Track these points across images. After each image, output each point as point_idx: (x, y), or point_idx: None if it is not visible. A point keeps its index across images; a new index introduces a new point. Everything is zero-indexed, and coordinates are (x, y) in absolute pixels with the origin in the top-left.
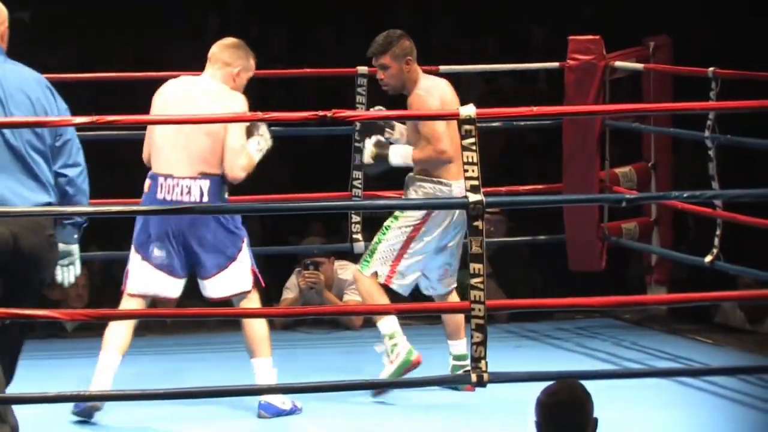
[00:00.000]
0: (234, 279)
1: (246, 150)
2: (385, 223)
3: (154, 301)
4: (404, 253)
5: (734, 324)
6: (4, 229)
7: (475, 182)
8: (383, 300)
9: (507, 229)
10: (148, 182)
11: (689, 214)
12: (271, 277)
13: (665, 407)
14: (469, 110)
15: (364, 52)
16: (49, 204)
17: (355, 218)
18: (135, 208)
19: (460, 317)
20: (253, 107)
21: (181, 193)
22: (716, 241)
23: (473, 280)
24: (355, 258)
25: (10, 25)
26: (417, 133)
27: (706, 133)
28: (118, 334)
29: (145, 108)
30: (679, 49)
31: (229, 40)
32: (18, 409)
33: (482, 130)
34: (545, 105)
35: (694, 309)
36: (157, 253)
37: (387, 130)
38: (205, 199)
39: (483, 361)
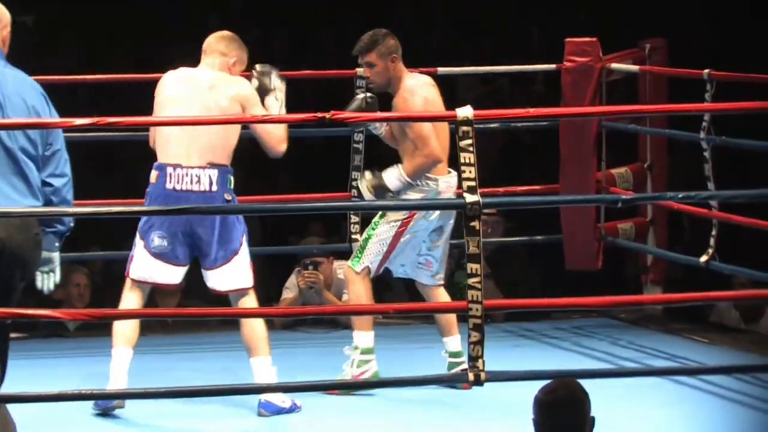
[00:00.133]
0: (237, 273)
1: (276, 127)
2: (374, 219)
3: (153, 290)
4: (394, 249)
5: (729, 323)
6: None
7: (472, 183)
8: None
9: (504, 230)
10: (155, 173)
11: (684, 215)
12: (271, 277)
13: (661, 405)
14: (467, 112)
15: None
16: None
17: (354, 218)
18: (136, 208)
19: (446, 299)
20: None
21: (191, 183)
22: (711, 241)
23: (470, 280)
24: None
25: (13, 29)
26: (404, 134)
27: (702, 135)
28: (126, 327)
29: (146, 109)
30: (675, 51)
31: (224, 33)
32: (21, 408)
33: (480, 132)
34: (542, 107)
35: (689, 308)
36: (157, 241)
37: (376, 125)
38: (214, 188)
39: (480, 360)
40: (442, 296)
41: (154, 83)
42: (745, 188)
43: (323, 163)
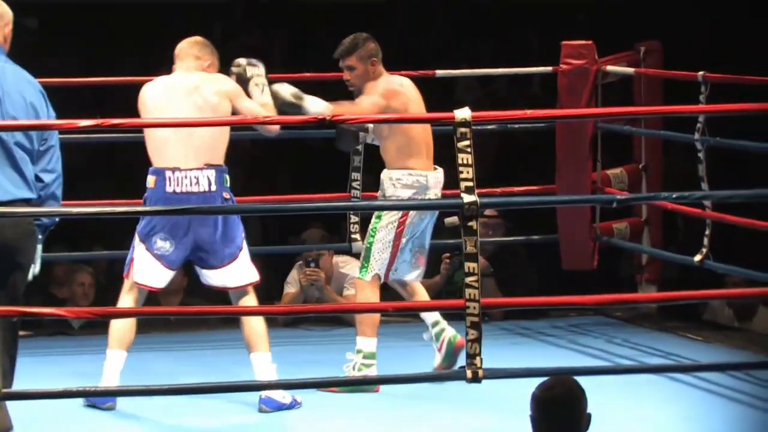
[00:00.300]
0: (240, 271)
1: (263, 107)
2: (371, 226)
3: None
4: (397, 250)
5: (723, 321)
6: None
7: (470, 183)
8: (377, 316)
9: (506, 230)
10: (153, 178)
11: (679, 215)
12: (271, 277)
13: (656, 402)
14: (465, 113)
15: None
16: (30, 200)
17: (354, 218)
18: (140, 209)
19: (422, 292)
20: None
21: (190, 185)
22: (705, 240)
23: (468, 279)
24: (354, 256)
25: (19, 32)
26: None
27: (696, 136)
28: (122, 330)
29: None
30: (674, 53)
31: (197, 38)
32: (26, 404)
33: (477, 133)
34: (539, 108)
35: (683, 307)
36: (160, 244)
37: (362, 134)
38: (213, 188)
39: (478, 358)
40: (420, 288)
41: None
42: (738, 188)
43: (323, 164)
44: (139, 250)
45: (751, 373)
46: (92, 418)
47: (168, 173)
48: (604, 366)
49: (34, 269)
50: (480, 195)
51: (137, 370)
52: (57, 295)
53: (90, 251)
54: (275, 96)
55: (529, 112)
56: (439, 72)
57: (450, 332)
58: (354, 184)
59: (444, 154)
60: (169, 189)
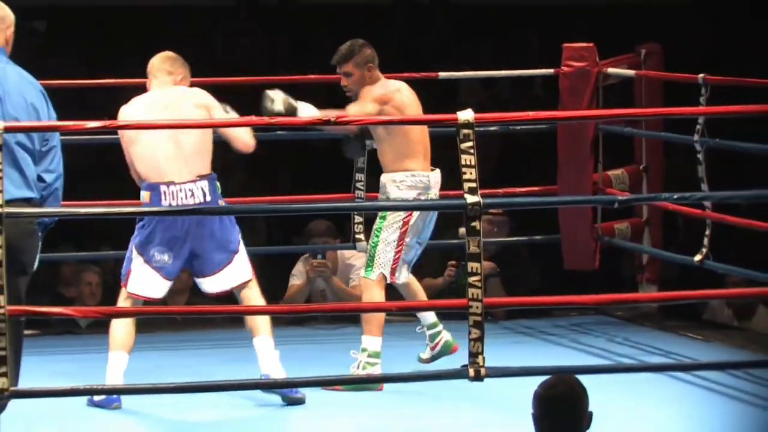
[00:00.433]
0: (237, 270)
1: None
2: (375, 226)
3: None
4: (401, 249)
5: (722, 321)
6: None
7: (473, 184)
8: (382, 315)
9: (510, 229)
10: (147, 193)
11: (679, 215)
12: (276, 276)
13: (657, 400)
14: (468, 115)
15: None
16: (31, 200)
17: (358, 219)
18: (147, 209)
19: (421, 293)
20: (259, 112)
21: (186, 197)
22: (705, 240)
23: (471, 279)
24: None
25: (27, 34)
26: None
27: (696, 137)
28: (123, 332)
29: None
30: (674, 54)
31: (167, 53)
32: (33, 402)
33: (479, 135)
34: (541, 110)
35: (683, 306)
36: (158, 257)
37: (368, 141)
38: (208, 198)
39: (481, 357)
40: (414, 282)
41: None
42: (738, 189)
43: (327, 165)
44: (136, 262)
45: (751, 372)
46: (99, 416)
47: (163, 188)
48: (606, 365)
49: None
50: (483, 195)
51: (143, 369)
52: (64, 295)
53: (97, 251)
54: (269, 102)
55: (531, 114)
56: (442, 74)
57: (446, 336)
58: (358, 185)
59: (441, 155)
60: (165, 203)
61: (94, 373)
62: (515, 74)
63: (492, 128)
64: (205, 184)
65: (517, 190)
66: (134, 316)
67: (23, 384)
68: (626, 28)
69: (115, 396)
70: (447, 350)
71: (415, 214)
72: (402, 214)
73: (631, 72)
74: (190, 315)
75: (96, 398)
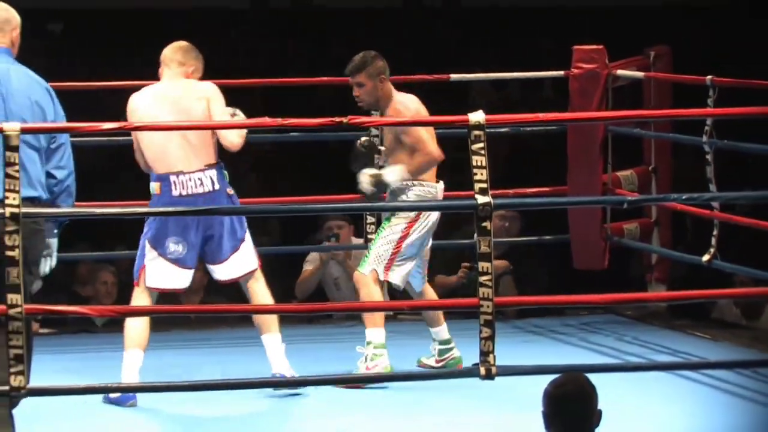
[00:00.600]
0: (244, 259)
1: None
2: (381, 226)
3: (161, 294)
4: (398, 251)
5: (730, 320)
6: None
7: (484, 185)
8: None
9: (522, 225)
10: (157, 184)
11: (687, 216)
12: (289, 275)
13: (665, 399)
14: (478, 116)
15: None
16: (37, 198)
17: (370, 219)
18: (162, 209)
19: (433, 296)
20: (272, 114)
21: (195, 186)
22: (713, 240)
23: (482, 278)
24: None
25: (43, 36)
26: (400, 144)
27: (704, 139)
28: (138, 331)
29: None
30: (677, 55)
31: (181, 43)
32: (50, 400)
33: (490, 136)
34: (551, 111)
35: (692, 306)
36: (173, 247)
37: (376, 156)
38: (216, 186)
39: (491, 355)
40: (431, 291)
41: None
42: (745, 190)
43: (340, 166)
44: (151, 256)
45: (758, 371)
46: (114, 414)
47: (173, 177)
48: (615, 363)
49: (51, 263)
50: (493, 196)
51: (158, 367)
52: (81, 294)
53: (113, 251)
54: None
55: (541, 116)
56: (454, 76)
57: (456, 353)
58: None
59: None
60: (175, 193)
61: (109, 371)
62: (525, 76)
63: (502, 130)
64: (213, 173)
65: (527, 191)
66: (149, 315)
67: (40, 382)
68: (626, 30)
69: (130, 393)
70: (452, 368)
71: (419, 221)
72: (406, 219)
73: (640, 74)
74: (204, 314)
75: (112, 396)
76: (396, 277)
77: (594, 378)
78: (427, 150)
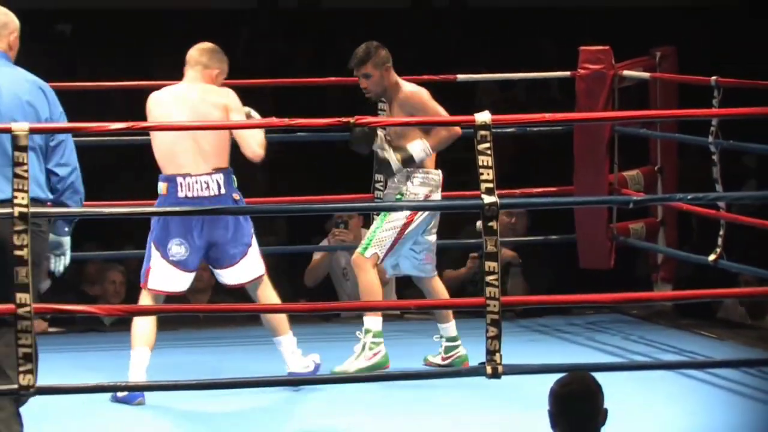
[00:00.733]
0: (251, 265)
1: (256, 129)
2: (381, 214)
3: (169, 296)
4: (401, 238)
5: (736, 319)
6: None
7: (490, 185)
8: (380, 295)
9: (529, 221)
10: (164, 184)
11: (693, 215)
12: (296, 275)
13: (671, 398)
14: (485, 116)
15: None
16: (36, 199)
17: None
18: (169, 209)
19: (444, 293)
20: (280, 114)
21: (201, 189)
22: (719, 240)
23: (488, 278)
24: None
25: (53, 38)
26: (414, 130)
27: (710, 139)
28: (145, 329)
29: None
30: (679, 57)
31: (206, 45)
32: (59, 399)
33: (497, 136)
34: (558, 112)
35: (697, 305)
36: (175, 249)
37: (378, 138)
38: (223, 191)
39: (498, 354)
40: (440, 284)
41: None
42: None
43: (347, 166)
44: (155, 259)
45: (764, 370)
46: (122, 413)
47: (179, 179)
48: (621, 362)
49: (64, 261)
50: (500, 196)
51: (166, 366)
52: (89, 293)
53: (120, 250)
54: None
55: (548, 116)
56: (460, 76)
57: (462, 351)
58: (377, 185)
59: (444, 157)
60: (181, 194)
61: (118, 370)
62: (532, 77)
63: (509, 130)
64: (220, 176)
65: (533, 191)
66: (157, 314)
67: (49, 380)
68: (626, 30)
69: (138, 392)
70: (458, 366)
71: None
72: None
73: (646, 74)
74: (212, 313)
75: (119, 394)
76: (389, 263)
77: (600, 377)
78: (428, 111)
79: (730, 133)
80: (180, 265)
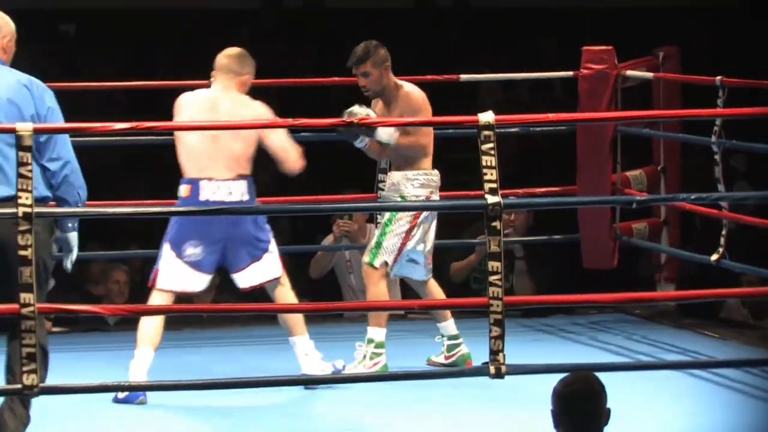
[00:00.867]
0: (267, 267)
1: (291, 143)
2: (387, 217)
3: (179, 296)
4: (407, 242)
5: (738, 319)
6: None
7: (494, 185)
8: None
9: (531, 219)
10: (187, 187)
11: (696, 215)
12: (300, 274)
13: (674, 397)
14: (488, 116)
15: None
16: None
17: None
18: (174, 209)
19: (439, 294)
20: (283, 114)
21: (224, 194)
22: (722, 240)
23: (491, 278)
24: None
25: (55, 38)
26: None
27: (713, 139)
28: (151, 330)
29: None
30: (683, 57)
31: (235, 50)
32: (63, 398)
33: (500, 136)
34: (561, 112)
35: (700, 305)
36: (190, 251)
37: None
38: (245, 198)
39: (501, 354)
40: (435, 286)
41: (188, 89)
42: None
43: (350, 166)
44: (168, 258)
45: (766, 369)
46: (125, 412)
47: (203, 183)
48: (624, 362)
49: (71, 258)
50: (503, 196)
51: (169, 365)
52: (93, 293)
53: (125, 250)
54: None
55: (551, 116)
56: (463, 76)
57: (464, 349)
58: (380, 185)
59: (443, 157)
60: (203, 197)
61: (121, 370)
62: (535, 77)
63: (513, 130)
64: (243, 184)
65: (536, 191)
66: (161, 314)
67: (52, 380)
68: (625, 30)
69: (140, 392)
70: (461, 364)
71: (424, 214)
72: (413, 212)
73: (649, 74)
74: (216, 313)
75: (120, 395)
76: (395, 269)
77: (603, 377)
78: (421, 141)
79: (733, 133)
80: (195, 265)
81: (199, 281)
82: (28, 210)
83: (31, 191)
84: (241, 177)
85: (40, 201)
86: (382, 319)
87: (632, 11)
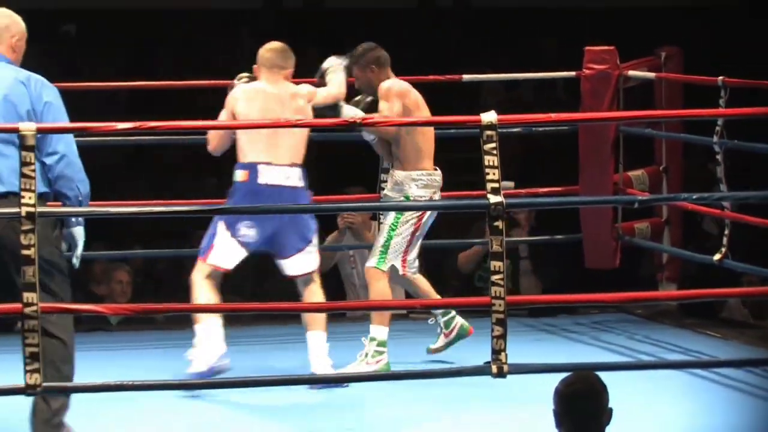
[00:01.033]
0: (309, 259)
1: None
2: (392, 220)
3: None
4: (411, 243)
5: (739, 319)
6: None
7: (496, 185)
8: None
9: (533, 217)
10: (244, 172)
11: (698, 215)
12: None
13: (675, 397)
14: (491, 116)
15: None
16: (11, 193)
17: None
18: (175, 209)
19: (429, 289)
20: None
21: (282, 179)
22: (724, 240)
23: (494, 277)
24: None
25: (56, 38)
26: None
27: (715, 139)
28: (209, 300)
29: (182, 114)
30: (685, 57)
31: (276, 45)
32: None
33: (502, 136)
34: (563, 112)
35: (702, 305)
36: (244, 231)
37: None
38: (300, 184)
39: (503, 353)
40: (423, 281)
41: (189, 90)
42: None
43: (353, 165)
44: (222, 236)
45: (767, 369)
46: (128, 412)
47: (261, 167)
48: (626, 362)
49: (77, 253)
50: (505, 196)
51: (171, 365)
52: (95, 292)
53: (129, 250)
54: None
55: (553, 116)
56: (466, 76)
57: (460, 320)
58: (383, 185)
59: (443, 157)
60: (261, 181)
61: (124, 370)
62: (537, 77)
63: (515, 130)
64: (297, 170)
65: (539, 190)
66: (163, 314)
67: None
68: (626, 30)
69: (215, 364)
70: (464, 333)
71: (427, 214)
72: (417, 213)
73: (651, 74)
74: (219, 312)
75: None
76: (408, 272)
77: (604, 376)
78: (383, 110)
79: (734, 133)
80: (248, 246)
81: (237, 259)
82: (31, 209)
83: (34, 191)
84: (295, 164)
85: (40, 197)
86: (385, 317)
87: (632, 11)
